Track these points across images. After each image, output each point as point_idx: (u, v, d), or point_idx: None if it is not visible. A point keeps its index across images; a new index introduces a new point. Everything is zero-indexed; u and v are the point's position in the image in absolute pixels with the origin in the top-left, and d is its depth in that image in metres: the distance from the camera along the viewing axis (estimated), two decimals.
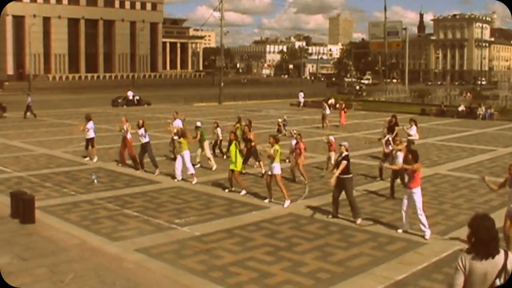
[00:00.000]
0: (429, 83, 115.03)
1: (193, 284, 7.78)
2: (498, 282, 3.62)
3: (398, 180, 13.05)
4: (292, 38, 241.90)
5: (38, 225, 10.43)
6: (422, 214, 9.80)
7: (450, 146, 22.39)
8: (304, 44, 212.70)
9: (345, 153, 10.89)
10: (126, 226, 10.52)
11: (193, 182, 14.24)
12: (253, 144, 15.75)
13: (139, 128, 15.85)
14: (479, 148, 21.70)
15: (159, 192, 13.41)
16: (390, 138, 14.83)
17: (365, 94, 58.52)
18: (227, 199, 12.75)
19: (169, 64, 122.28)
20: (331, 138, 16.54)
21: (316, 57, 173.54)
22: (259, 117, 34.03)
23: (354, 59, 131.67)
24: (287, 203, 12.03)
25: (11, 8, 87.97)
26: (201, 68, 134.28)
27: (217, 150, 18.82)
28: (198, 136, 16.68)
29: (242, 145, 15.54)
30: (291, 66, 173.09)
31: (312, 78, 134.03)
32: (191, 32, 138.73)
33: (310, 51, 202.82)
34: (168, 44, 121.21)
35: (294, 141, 15.43)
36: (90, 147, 17.85)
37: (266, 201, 12.41)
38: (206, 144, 16.97)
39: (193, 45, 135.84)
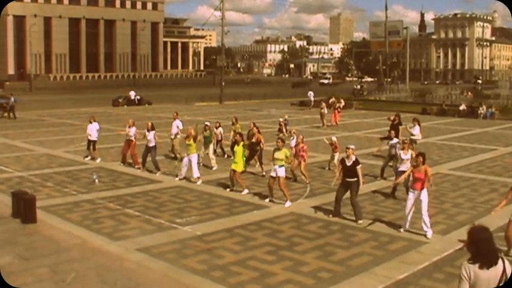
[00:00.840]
0: (425, 82, 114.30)
1: (194, 284, 7.78)
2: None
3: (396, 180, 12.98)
4: (293, 38, 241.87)
5: (39, 225, 10.44)
6: (427, 215, 9.81)
7: (451, 145, 22.38)
8: (305, 43, 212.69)
9: (354, 157, 10.84)
10: (127, 226, 10.53)
11: (198, 183, 14.26)
12: (259, 148, 15.70)
13: (149, 131, 15.81)
14: (480, 147, 21.68)
15: (160, 192, 13.42)
16: (396, 141, 14.74)
17: (365, 93, 58.49)
18: (228, 198, 12.75)
19: (170, 64, 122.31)
20: (334, 139, 16.54)
21: (317, 56, 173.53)
22: (261, 116, 34.02)
23: (354, 59, 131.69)
24: (288, 203, 12.03)
25: (11, 8, 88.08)
26: (201, 68, 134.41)
27: (218, 150, 18.82)
28: (201, 137, 16.64)
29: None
30: (292, 65, 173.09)
31: (310, 78, 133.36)
32: (192, 32, 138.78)
33: (311, 50, 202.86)
34: (169, 44, 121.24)
35: (293, 141, 15.41)
36: (92, 149, 17.86)
37: (267, 200, 12.42)
38: (211, 145, 16.96)
39: (194, 44, 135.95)
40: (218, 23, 54.29)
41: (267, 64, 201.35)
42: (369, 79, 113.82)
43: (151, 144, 15.75)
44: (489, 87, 71.64)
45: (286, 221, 10.91)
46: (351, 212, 10.99)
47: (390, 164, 14.88)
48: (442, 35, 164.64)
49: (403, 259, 8.76)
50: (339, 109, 30.76)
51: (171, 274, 8.12)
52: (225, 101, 49.31)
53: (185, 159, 14.60)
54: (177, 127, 18.34)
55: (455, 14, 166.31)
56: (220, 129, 18.54)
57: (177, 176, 14.83)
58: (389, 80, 73.73)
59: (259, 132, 16.45)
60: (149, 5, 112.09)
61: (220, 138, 18.52)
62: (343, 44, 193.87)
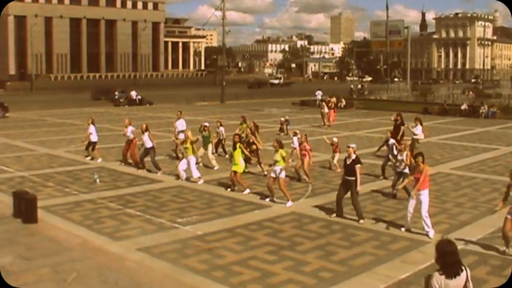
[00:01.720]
0: (419, 82, 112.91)
1: (195, 283, 7.76)
2: None
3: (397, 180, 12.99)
4: (294, 37, 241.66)
5: (41, 224, 10.43)
6: (427, 216, 9.78)
7: (453, 144, 22.34)
8: (306, 43, 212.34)
9: (354, 155, 10.84)
10: (129, 225, 10.52)
11: (200, 183, 14.24)
12: (254, 148, 15.71)
13: (143, 132, 15.79)
14: (482, 147, 21.64)
15: (161, 192, 13.41)
16: (393, 142, 14.78)
17: (366, 93, 58.43)
18: (229, 198, 12.73)
19: (171, 63, 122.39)
20: (335, 139, 16.53)
21: (318, 56, 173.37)
22: (262, 116, 34.01)
23: (355, 58, 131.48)
24: (289, 203, 12.01)
25: (12, 8, 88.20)
26: (202, 68, 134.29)
27: (220, 150, 18.79)
28: (200, 137, 16.63)
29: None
30: (293, 65, 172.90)
31: (310, 77, 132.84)
32: (193, 32, 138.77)
33: (312, 50, 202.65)
34: (169, 44, 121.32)
35: (295, 141, 15.36)
36: (91, 149, 17.83)
37: (268, 200, 12.40)
38: (209, 146, 16.94)
39: (195, 44, 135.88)
40: (219, 23, 54.26)
41: (268, 64, 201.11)
42: (369, 78, 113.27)
43: (148, 145, 15.74)
44: (490, 86, 71.56)
45: (287, 221, 10.89)
46: (352, 212, 10.97)
47: (389, 163, 14.87)
48: (443, 35, 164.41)
49: (404, 259, 8.73)
50: (334, 109, 30.72)
51: (172, 274, 8.10)
52: (226, 101, 49.32)
53: (182, 163, 14.60)
54: (177, 128, 18.30)
55: (457, 14, 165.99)
56: (221, 128, 18.51)
57: (178, 177, 14.80)
58: (388, 80, 73.56)
59: (252, 132, 16.43)
60: (150, 5, 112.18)
61: (222, 137, 18.50)
62: (344, 44, 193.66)
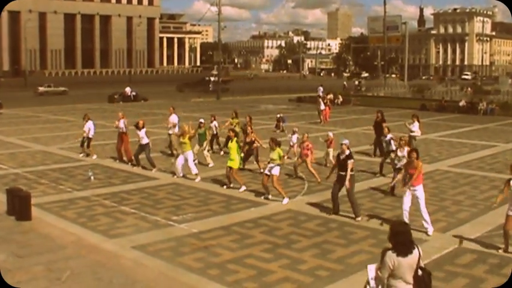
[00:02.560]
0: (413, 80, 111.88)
1: (190, 282, 7.68)
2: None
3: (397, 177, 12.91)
4: (290, 33, 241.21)
5: (34, 222, 10.33)
6: (426, 211, 9.72)
7: (451, 141, 22.30)
8: (302, 38, 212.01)
9: (347, 151, 10.78)
10: (123, 223, 10.42)
11: (197, 180, 14.13)
12: (255, 146, 15.59)
13: (140, 129, 15.64)
14: (481, 144, 21.58)
15: (157, 189, 13.30)
16: (389, 137, 14.70)
17: (364, 89, 58.40)
18: (225, 196, 12.64)
19: (167, 59, 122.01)
20: (330, 134, 16.44)
21: (315, 52, 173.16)
22: (258, 112, 33.88)
23: (353, 54, 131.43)
24: (285, 200, 11.93)
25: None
26: (198, 64, 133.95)
27: (215, 146, 18.67)
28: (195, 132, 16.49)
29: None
30: (289, 61, 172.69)
31: (304, 74, 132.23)
32: (188, 27, 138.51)
33: (308, 46, 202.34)
34: (165, 39, 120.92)
35: (294, 138, 15.27)
36: (85, 145, 17.69)
37: (263, 197, 12.31)
38: (204, 144, 16.82)
39: (191, 40, 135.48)
40: (214, 18, 54.39)
41: (264, 60, 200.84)
42: (365, 74, 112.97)
43: (144, 141, 15.61)
44: (489, 82, 71.54)
45: (283, 219, 10.81)
46: (349, 209, 10.89)
47: (388, 160, 14.78)
48: (442, 30, 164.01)
49: None
50: (330, 106, 30.63)
51: (167, 272, 8.02)
52: (222, 97, 49.16)
53: (180, 158, 14.47)
54: (173, 122, 18.16)
55: (455, 9, 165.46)
56: (215, 122, 18.41)
57: (174, 174, 14.68)
58: (384, 75, 73.56)
59: (252, 131, 16.34)
60: (145, 1, 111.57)
61: (215, 132, 18.39)
62: (341, 40, 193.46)
